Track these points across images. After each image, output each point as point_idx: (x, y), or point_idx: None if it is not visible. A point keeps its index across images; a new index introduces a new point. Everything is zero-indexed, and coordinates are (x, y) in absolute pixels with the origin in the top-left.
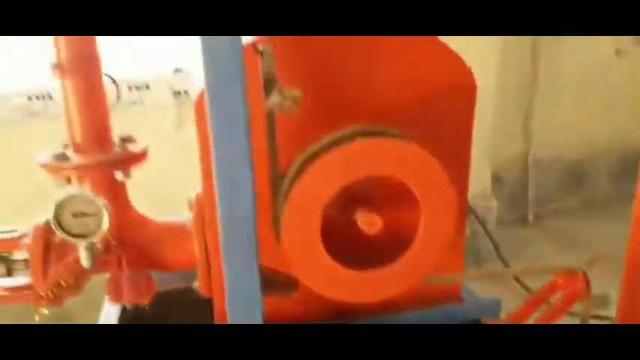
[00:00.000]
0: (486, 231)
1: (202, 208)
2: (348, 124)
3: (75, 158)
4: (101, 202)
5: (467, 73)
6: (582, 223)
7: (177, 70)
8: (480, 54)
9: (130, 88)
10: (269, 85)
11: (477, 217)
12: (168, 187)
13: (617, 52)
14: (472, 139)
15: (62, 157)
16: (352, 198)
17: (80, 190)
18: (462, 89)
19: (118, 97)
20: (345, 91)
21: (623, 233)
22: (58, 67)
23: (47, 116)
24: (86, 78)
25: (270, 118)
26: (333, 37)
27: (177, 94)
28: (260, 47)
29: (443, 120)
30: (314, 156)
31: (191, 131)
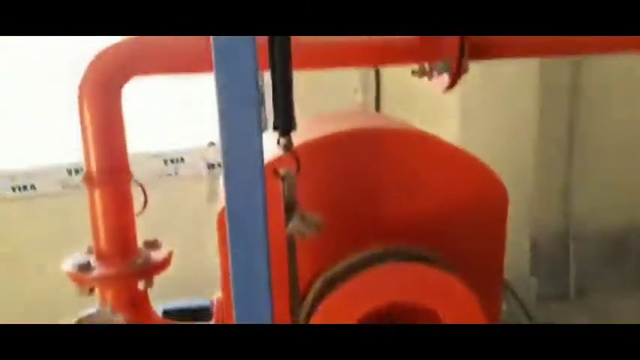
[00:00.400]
0: (525, 311)
1: (222, 314)
2: (372, 241)
3: (98, 269)
4: (120, 320)
5: (497, 185)
6: (627, 300)
7: (211, 144)
8: (518, 123)
9: (165, 161)
10: (290, 209)
11: (514, 295)
12: (198, 260)
13: None
14: (505, 249)
15: (86, 268)
16: (375, 321)
17: (100, 308)
18: (492, 201)
19: (145, 203)
20: (370, 208)
21: None
22: (87, 178)
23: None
24: (114, 189)
25: (291, 241)
26: (357, 152)
27: (210, 166)
28: (281, 171)
29: (473, 233)
30: (337, 279)
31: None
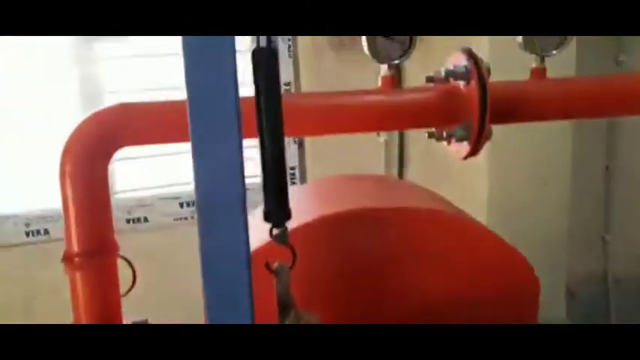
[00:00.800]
0: None
1: None
2: None
3: None
4: None
5: (528, 273)
6: None
7: None
8: (553, 167)
9: (181, 204)
10: (284, 309)
11: None
12: None
13: None
14: None
15: None
16: None
17: None
18: (523, 291)
19: (133, 283)
20: (379, 302)
21: None
22: (67, 260)
23: None
24: (97, 273)
25: None
26: (371, 233)
27: None
28: (274, 266)
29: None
30: None
31: None
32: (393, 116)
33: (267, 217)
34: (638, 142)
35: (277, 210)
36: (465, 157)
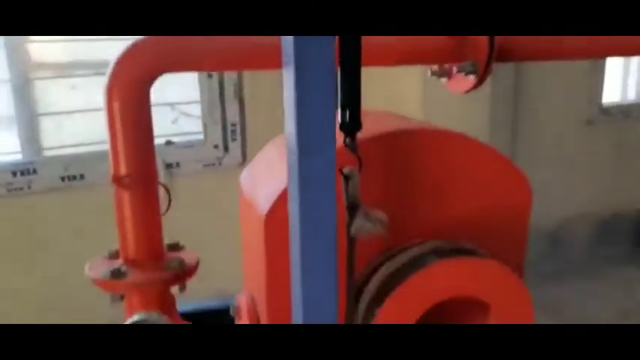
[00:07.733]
0: None
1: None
2: (409, 239)
3: (131, 275)
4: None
5: (523, 181)
6: (563, 287)
7: (168, 143)
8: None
9: None
10: (353, 208)
11: None
12: None
13: (588, 123)
14: (527, 242)
15: (118, 274)
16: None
17: (149, 314)
18: (518, 197)
19: (169, 204)
20: (410, 207)
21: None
22: (117, 181)
23: None
24: (144, 192)
25: (352, 243)
26: (405, 152)
27: (168, 165)
28: (345, 171)
29: (501, 227)
30: (392, 280)
31: None
32: (408, 52)
33: (342, 127)
34: None
35: (352, 123)
36: (468, 91)
